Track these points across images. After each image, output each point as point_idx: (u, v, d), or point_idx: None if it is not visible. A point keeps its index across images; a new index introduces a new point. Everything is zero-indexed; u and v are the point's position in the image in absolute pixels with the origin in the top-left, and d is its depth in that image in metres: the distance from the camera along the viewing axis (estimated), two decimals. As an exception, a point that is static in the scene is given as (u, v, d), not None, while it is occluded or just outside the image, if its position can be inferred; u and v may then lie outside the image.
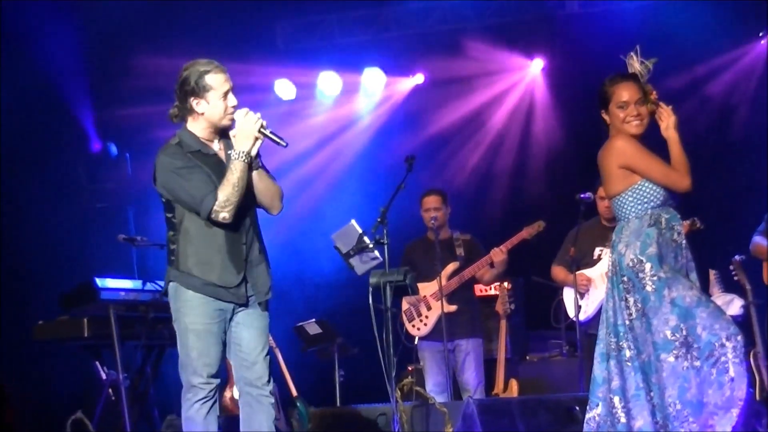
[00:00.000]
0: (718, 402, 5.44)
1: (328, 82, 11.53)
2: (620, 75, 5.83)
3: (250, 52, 10.96)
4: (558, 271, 8.57)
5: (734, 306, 8.65)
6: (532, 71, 11.39)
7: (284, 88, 11.51)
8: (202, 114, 5.54)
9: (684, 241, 5.72)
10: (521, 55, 11.27)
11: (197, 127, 5.58)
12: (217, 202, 5.37)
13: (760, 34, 10.65)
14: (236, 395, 8.62)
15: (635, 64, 5.85)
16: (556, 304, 8.90)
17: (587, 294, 8.31)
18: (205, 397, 5.57)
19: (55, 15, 9.96)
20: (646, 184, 5.66)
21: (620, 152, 5.69)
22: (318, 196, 11.43)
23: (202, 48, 10.37)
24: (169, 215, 5.56)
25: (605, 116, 5.81)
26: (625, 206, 5.69)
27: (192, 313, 5.53)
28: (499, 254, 8.63)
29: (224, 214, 5.40)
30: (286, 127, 11.49)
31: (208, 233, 5.50)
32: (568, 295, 8.50)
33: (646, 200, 5.66)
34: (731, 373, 5.45)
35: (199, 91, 5.51)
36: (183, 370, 5.56)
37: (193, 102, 5.52)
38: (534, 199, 10.79)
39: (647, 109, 5.76)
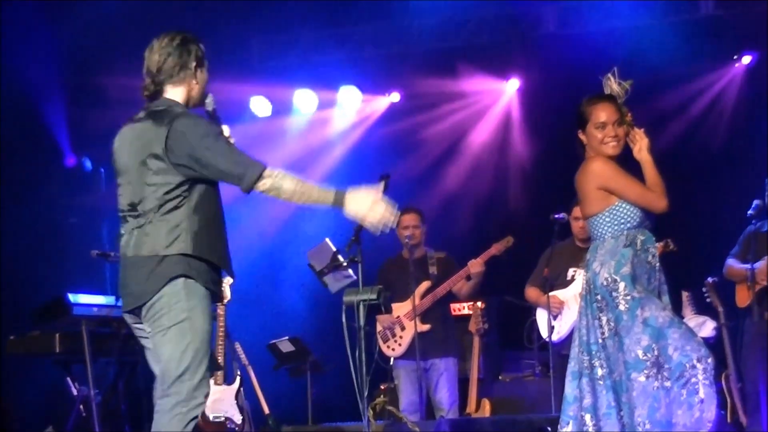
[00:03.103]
0: (687, 423, 5.50)
1: (304, 99, 11.56)
2: (598, 96, 5.89)
3: (225, 68, 10.95)
4: (531, 292, 8.61)
5: (706, 328, 8.72)
6: (507, 91, 11.44)
7: (260, 105, 11.53)
8: (197, 85, 5.21)
9: (658, 264, 5.79)
10: (497, 75, 11.31)
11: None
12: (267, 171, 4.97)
13: (735, 57, 10.74)
14: (208, 412, 8.65)
15: (613, 85, 5.92)
16: (529, 324, 8.94)
17: (560, 315, 8.36)
18: (196, 416, 5.13)
19: (30, 28, 9.95)
20: (623, 206, 5.72)
21: (598, 174, 5.76)
22: (292, 213, 11.43)
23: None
24: (175, 193, 4.96)
25: (582, 136, 5.86)
26: (602, 226, 5.75)
27: (204, 315, 5.06)
28: (477, 265, 8.68)
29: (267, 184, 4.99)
30: (261, 144, 11.51)
31: (213, 214, 5.11)
32: (542, 316, 8.55)
33: (622, 221, 5.72)
34: (701, 394, 5.51)
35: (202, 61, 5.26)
36: (182, 381, 5.00)
37: (199, 72, 5.22)
38: (508, 219, 10.82)
39: (624, 130, 5.84)
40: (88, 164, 10.69)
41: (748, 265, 8.35)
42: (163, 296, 4.98)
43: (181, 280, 4.98)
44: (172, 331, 4.98)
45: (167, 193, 4.98)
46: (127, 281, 5.08)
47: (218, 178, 5.05)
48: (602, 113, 5.80)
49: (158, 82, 5.15)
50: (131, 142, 5.07)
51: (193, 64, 5.19)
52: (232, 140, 5.18)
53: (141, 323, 5.12)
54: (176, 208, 4.99)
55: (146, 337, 5.16)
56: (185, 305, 4.98)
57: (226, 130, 5.23)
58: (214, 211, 5.13)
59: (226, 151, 4.99)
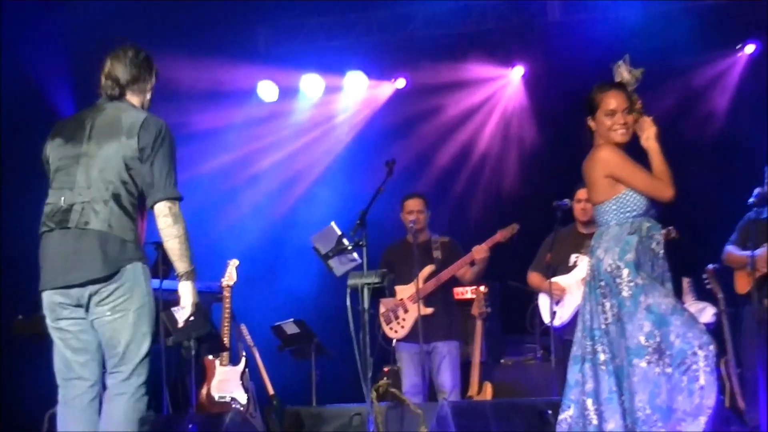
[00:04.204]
0: (687, 409, 5.49)
1: (311, 84, 11.54)
2: (608, 83, 5.87)
3: (232, 53, 10.95)
4: (534, 277, 8.61)
5: (706, 314, 8.72)
6: (512, 78, 11.44)
7: (267, 90, 11.51)
8: (149, 94, 5.59)
9: (662, 251, 5.77)
10: (502, 62, 11.32)
11: None
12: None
13: (738, 46, 10.72)
14: (213, 392, 8.65)
15: (624, 72, 5.89)
16: (531, 309, 8.96)
17: (562, 300, 8.35)
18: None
19: (36, 22, 9.89)
20: (630, 194, 5.70)
21: (606, 162, 5.74)
22: (298, 197, 11.45)
23: (186, 50, 10.40)
24: (136, 192, 5.28)
25: (591, 123, 5.85)
26: (608, 214, 5.74)
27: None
28: (481, 251, 8.67)
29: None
30: (268, 128, 11.54)
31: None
32: (544, 301, 8.54)
33: (629, 209, 5.71)
34: (702, 381, 5.50)
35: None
36: (143, 365, 5.21)
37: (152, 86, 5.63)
38: (512, 204, 10.83)
39: (633, 118, 5.81)
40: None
41: (748, 252, 8.35)
42: (126, 281, 5.14)
43: (140, 263, 5.20)
44: (133, 315, 5.14)
45: (133, 180, 5.23)
46: (79, 252, 5.15)
47: (149, 177, 5.23)
48: (612, 100, 5.78)
49: (122, 88, 5.46)
50: (101, 130, 5.31)
51: (153, 80, 5.58)
52: None
53: (75, 304, 5.18)
54: (136, 195, 5.26)
55: (77, 318, 5.21)
56: (145, 289, 5.19)
57: None
58: None
59: (167, 159, 5.26)
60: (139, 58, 5.56)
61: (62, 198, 5.27)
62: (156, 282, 8.05)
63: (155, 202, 5.19)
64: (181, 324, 5.36)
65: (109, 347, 5.18)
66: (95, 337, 5.22)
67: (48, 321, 5.28)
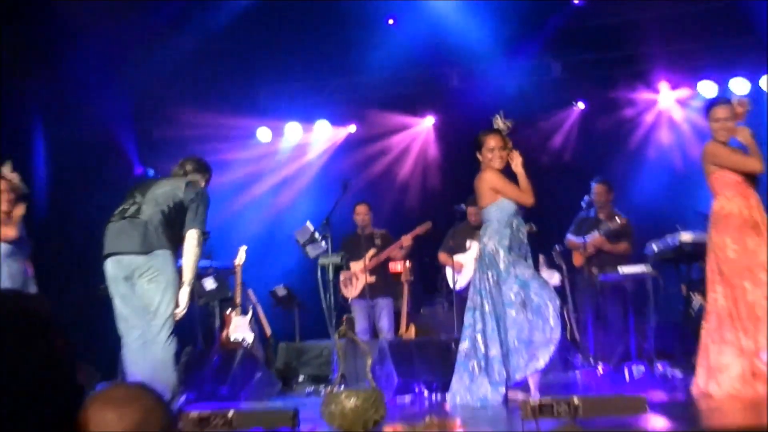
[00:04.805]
0: (541, 341, 5.61)
1: (292, 129, 11.51)
2: (489, 129, 5.98)
3: (239, 107, 10.91)
4: (442, 256, 8.71)
5: (555, 278, 8.79)
6: (425, 125, 11.46)
7: (263, 134, 11.45)
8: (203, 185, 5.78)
9: (526, 239, 5.89)
10: (420, 113, 11.33)
11: None
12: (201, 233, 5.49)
13: (573, 103, 10.87)
14: (230, 335, 8.62)
15: (500, 122, 5.98)
16: (441, 277, 9.01)
17: (461, 272, 8.44)
18: None
19: (108, 73, 9.72)
20: (505, 201, 5.82)
21: (489, 180, 5.85)
22: (285, 205, 11.41)
23: (210, 99, 10.36)
24: (177, 217, 5.46)
25: (479, 155, 5.94)
26: (491, 213, 5.85)
27: None
28: (407, 240, 8.76)
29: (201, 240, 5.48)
30: (264, 161, 11.47)
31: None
32: (449, 272, 8.63)
33: (504, 210, 5.81)
34: (551, 323, 5.63)
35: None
36: (170, 320, 5.32)
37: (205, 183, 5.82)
38: (427, 208, 10.86)
39: (506, 153, 5.90)
40: (151, 172, 10.56)
41: (581, 239, 8.49)
42: (159, 262, 5.28)
43: (170, 252, 5.35)
44: (164, 285, 5.28)
45: (174, 211, 5.43)
46: (129, 234, 5.33)
47: (191, 215, 5.45)
48: (492, 141, 5.88)
49: (185, 173, 5.73)
50: (164, 181, 5.63)
51: (207, 177, 5.84)
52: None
53: (126, 276, 5.32)
54: (172, 220, 5.41)
55: (128, 286, 5.35)
56: (172, 269, 5.33)
57: None
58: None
59: (202, 209, 5.47)
60: (201, 161, 5.84)
61: (125, 204, 5.47)
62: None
63: (190, 229, 5.37)
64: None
65: (148, 306, 5.31)
66: (140, 300, 5.33)
67: (111, 288, 5.42)
